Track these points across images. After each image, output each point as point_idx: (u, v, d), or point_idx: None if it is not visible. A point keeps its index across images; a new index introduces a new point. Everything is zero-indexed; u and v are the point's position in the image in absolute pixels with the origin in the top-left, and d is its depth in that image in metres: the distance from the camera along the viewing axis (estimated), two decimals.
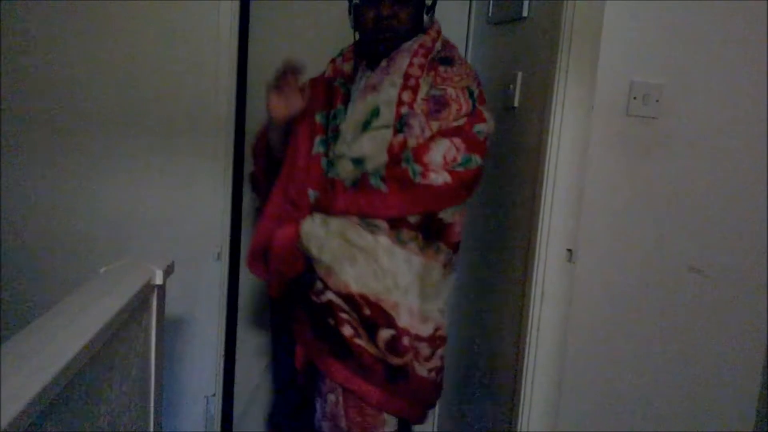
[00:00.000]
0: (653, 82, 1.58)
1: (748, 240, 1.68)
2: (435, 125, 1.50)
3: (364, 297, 1.51)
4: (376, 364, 1.52)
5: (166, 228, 2.03)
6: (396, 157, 1.50)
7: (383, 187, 1.48)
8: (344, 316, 1.53)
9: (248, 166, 2.18)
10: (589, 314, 1.67)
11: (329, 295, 1.54)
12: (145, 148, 1.99)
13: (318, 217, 1.54)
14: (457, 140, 1.50)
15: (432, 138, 1.50)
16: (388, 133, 1.51)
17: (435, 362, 1.59)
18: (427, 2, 1.61)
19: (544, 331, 1.66)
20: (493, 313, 1.97)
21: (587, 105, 1.57)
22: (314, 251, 1.53)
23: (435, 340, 1.58)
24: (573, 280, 1.63)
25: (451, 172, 1.49)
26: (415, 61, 1.55)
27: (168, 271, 1.40)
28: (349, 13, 1.64)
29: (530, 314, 1.66)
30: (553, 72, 1.59)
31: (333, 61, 1.73)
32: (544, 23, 1.69)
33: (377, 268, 1.51)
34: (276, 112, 1.58)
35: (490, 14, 2.11)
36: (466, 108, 1.53)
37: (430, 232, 1.55)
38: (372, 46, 1.59)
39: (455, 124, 1.52)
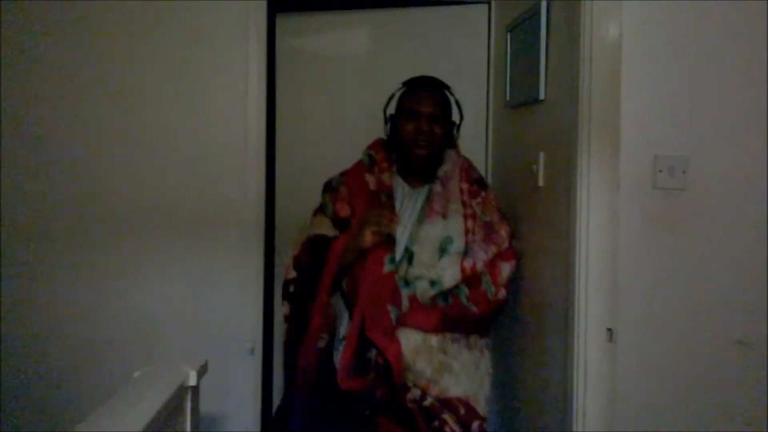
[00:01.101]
0: (677, 155, 1.58)
1: None
2: (493, 248, 1.82)
3: (459, 399, 1.75)
4: None
5: (198, 325, 2.03)
6: (472, 278, 1.78)
7: (473, 308, 1.77)
8: (446, 417, 1.72)
9: (279, 264, 2.20)
10: (635, 395, 1.59)
11: (430, 400, 1.72)
12: (175, 247, 2.04)
13: (417, 335, 1.74)
14: (513, 262, 1.85)
15: (495, 261, 1.81)
16: (459, 258, 1.77)
17: None
18: (455, 121, 1.88)
19: (590, 415, 1.58)
20: (537, 398, 1.90)
21: (613, 181, 1.57)
22: (421, 365, 1.72)
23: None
24: (615, 361, 1.57)
25: (506, 287, 1.83)
26: (464, 187, 1.85)
27: (201, 372, 1.39)
28: (385, 123, 1.90)
29: (574, 399, 1.59)
30: (576, 151, 1.60)
31: (367, 170, 1.89)
32: (561, 104, 1.72)
33: (466, 374, 1.77)
34: (370, 239, 1.72)
35: (507, 98, 2.16)
36: (507, 231, 1.87)
37: (487, 333, 1.87)
38: (410, 157, 1.83)
39: (506, 245, 1.85)
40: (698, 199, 1.60)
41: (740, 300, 1.61)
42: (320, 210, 1.91)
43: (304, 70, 2.40)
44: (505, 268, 1.83)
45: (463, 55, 2.42)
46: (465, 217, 1.81)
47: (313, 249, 1.82)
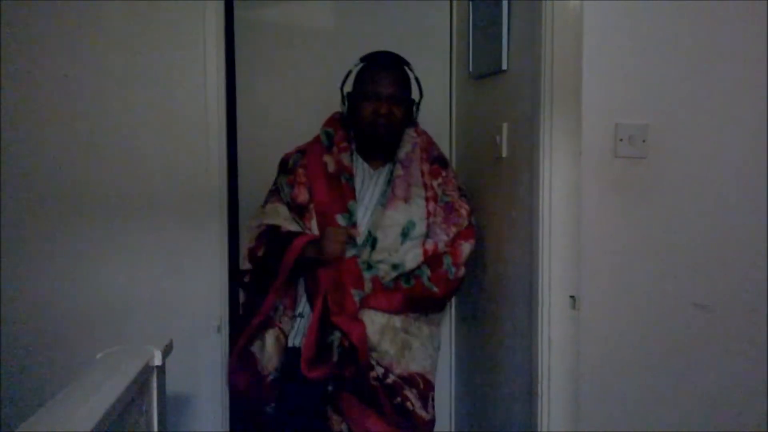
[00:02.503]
0: (638, 123, 1.60)
1: (750, 272, 1.67)
2: (453, 229, 1.82)
3: (420, 374, 1.78)
4: (426, 426, 1.79)
5: (164, 305, 2.00)
6: (433, 259, 1.79)
7: (435, 289, 1.78)
8: (407, 393, 1.76)
9: (243, 240, 2.16)
10: (598, 359, 1.63)
11: (393, 377, 1.75)
12: (140, 227, 1.99)
13: (381, 317, 1.75)
14: (472, 240, 1.85)
15: (456, 241, 1.82)
16: (421, 241, 1.79)
17: None
18: (415, 99, 1.85)
19: (555, 381, 1.62)
20: (502, 366, 1.93)
21: (575, 150, 1.59)
22: (385, 345, 1.74)
23: None
24: (579, 327, 1.60)
25: (464, 265, 1.84)
26: (424, 168, 1.83)
27: (167, 351, 1.37)
28: (343, 101, 1.85)
29: (539, 364, 1.63)
30: (538, 121, 1.61)
31: (326, 150, 1.84)
32: (524, 75, 1.73)
33: (424, 350, 1.81)
34: (332, 254, 1.73)
35: (470, 69, 2.15)
36: (467, 209, 1.86)
37: (443, 309, 1.92)
38: (369, 138, 1.81)
39: (466, 224, 1.84)
40: (659, 167, 1.62)
41: (699, 265, 1.66)
42: (276, 193, 1.89)
43: (264, 43, 2.35)
44: (466, 248, 1.83)
45: (425, 26, 2.40)
46: (426, 200, 1.80)
47: (269, 243, 1.80)
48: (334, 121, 1.89)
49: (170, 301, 2.01)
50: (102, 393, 1.08)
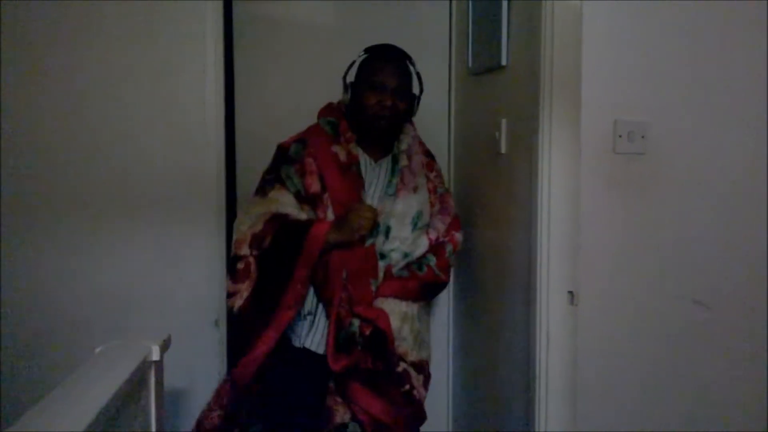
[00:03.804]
0: (637, 120, 1.60)
1: (749, 269, 1.67)
2: (447, 219, 1.89)
3: (423, 361, 1.83)
4: (421, 408, 1.82)
5: (162, 300, 2.00)
6: (437, 248, 1.85)
7: (442, 275, 1.85)
8: (414, 381, 1.78)
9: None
10: (597, 355, 1.64)
11: (403, 366, 1.77)
12: (138, 222, 1.99)
13: (400, 304, 1.77)
14: (461, 231, 1.93)
15: (449, 231, 1.89)
16: (425, 230, 1.84)
17: None
18: (416, 93, 1.85)
19: (553, 377, 1.62)
20: (500, 362, 1.94)
21: (574, 146, 1.59)
22: (405, 332, 1.77)
23: None
24: (577, 323, 1.61)
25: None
26: (423, 160, 1.88)
27: (165, 346, 1.37)
28: (345, 90, 1.82)
29: (537, 360, 1.63)
30: (537, 117, 1.60)
31: (333, 140, 1.79)
32: (523, 71, 1.72)
33: (428, 338, 1.89)
34: (363, 231, 1.70)
35: (469, 65, 2.14)
36: (453, 203, 1.94)
37: None
38: (371, 130, 1.79)
39: (454, 214, 1.91)
40: (657, 163, 1.62)
41: (698, 262, 1.66)
42: (278, 181, 1.76)
43: (263, 39, 2.34)
44: (459, 238, 1.91)
45: (425, 22, 2.39)
46: (429, 191, 1.87)
47: (279, 230, 1.69)
48: (333, 110, 1.85)
49: (168, 296, 2.01)
50: (100, 388, 1.08)
